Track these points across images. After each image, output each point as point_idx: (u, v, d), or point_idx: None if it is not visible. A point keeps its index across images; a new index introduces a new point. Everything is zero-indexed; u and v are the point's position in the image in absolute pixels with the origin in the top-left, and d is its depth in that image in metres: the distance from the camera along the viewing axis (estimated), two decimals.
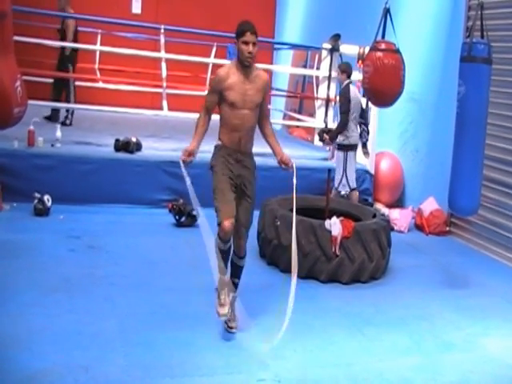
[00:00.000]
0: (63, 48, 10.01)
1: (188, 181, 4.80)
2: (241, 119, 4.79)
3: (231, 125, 4.80)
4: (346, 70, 8.28)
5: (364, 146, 8.80)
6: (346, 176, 8.16)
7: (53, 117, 10.11)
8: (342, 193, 8.23)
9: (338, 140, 8.23)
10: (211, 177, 4.89)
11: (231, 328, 4.97)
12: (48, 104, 8.95)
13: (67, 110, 10.12)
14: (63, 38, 10.02)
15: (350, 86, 8.20)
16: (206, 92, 10.44)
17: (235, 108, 4.76)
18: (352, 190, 8.24)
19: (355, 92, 8.28)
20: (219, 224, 4.74)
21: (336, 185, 8.26)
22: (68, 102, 10.03)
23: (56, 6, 10.07)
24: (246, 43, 4.65)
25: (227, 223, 4.69)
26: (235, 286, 5.08)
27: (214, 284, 4.92)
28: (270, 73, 14.90)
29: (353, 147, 8.22)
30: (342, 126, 8.13)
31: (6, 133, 7.34)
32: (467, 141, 6.15)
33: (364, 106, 9.30)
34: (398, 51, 6.36)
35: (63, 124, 9.76)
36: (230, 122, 4.80)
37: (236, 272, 5.06)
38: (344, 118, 8.10)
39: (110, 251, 6.57)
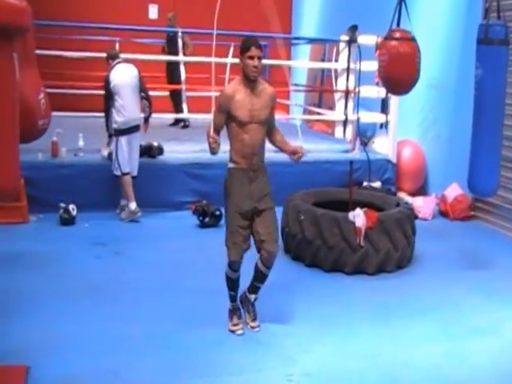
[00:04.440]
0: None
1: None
2: (250, 134, 4.77)
3: (241, 140, 4.77)
4: (110, 54, 8.14)
5: (146, 121, 8.20)
6: (118, 160, 7.86)
7: (177, 123, 11.59)
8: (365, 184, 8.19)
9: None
10: (225, 202, 4.92)
11: (253, 328, 5.03)
12: (68, 114, 9.03)
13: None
14: (172, 52, 11.07)
15: (117, 66, 7.96)
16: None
17: (243, 124, 4.75)
18: (124, 174, 7.91)
19: (121, 71, 7.94)
20: (228, 257, 4.86)
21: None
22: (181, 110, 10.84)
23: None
24: (252, 58, 4.65)
25: (234, 255, 4.82)
26: (257, 289, 5.07)
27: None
28: (288, 68, 14.95)
29: (123, 132, 7.86)
30: (105, 114, 8.00)
31: (30, 145, 7.45)
32: (485, 122, 6.12)
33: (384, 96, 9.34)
34: (413, 39, 6.32)
35: (184, 127, 11.36)
36: (240, 137, 4.77)
37: (260, 277, 4.99)
38: (104, 104, 7.95)
39: (135, 256, 6.64)
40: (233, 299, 5.06)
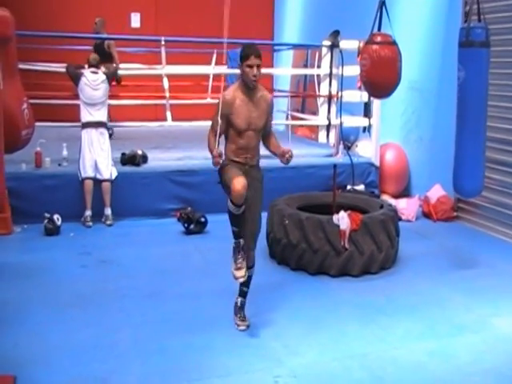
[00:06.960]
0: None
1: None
2: (246, 140, 4.88)
3: (237, 144, 4.89)
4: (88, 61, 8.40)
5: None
6: (79, 161, 8.08)
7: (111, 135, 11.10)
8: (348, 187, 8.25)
9: None
10: (221, 174, 4.90)
11: (240, 326, 5.08)
12: (51, 124, 9.02)
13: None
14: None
15: (89, 74, 8.19)
16: (207, 100, 10.63)
17: (241, 131, 4.84)
18: (83, 179, 8.02)
19: (89, 80, 8.14)
20: (231, 189, 4.67)
21: None
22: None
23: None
24: (251, 66, 4.73)
25: (238, 185, 4.61)
26: (245, 294, 5.16)
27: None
28: (270, 76, 15.01)
29: (84, 124, 8.13)
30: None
31: (13, 156, 7.47)
32: (469, 124, 6.20)
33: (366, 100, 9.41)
34: (394, 43, 6.41)
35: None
36: (236, 142, 4.88)
37: (245, 281, 5.01)
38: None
39: (121, 264, 6.64)
40: (237, 235, 4.90)
